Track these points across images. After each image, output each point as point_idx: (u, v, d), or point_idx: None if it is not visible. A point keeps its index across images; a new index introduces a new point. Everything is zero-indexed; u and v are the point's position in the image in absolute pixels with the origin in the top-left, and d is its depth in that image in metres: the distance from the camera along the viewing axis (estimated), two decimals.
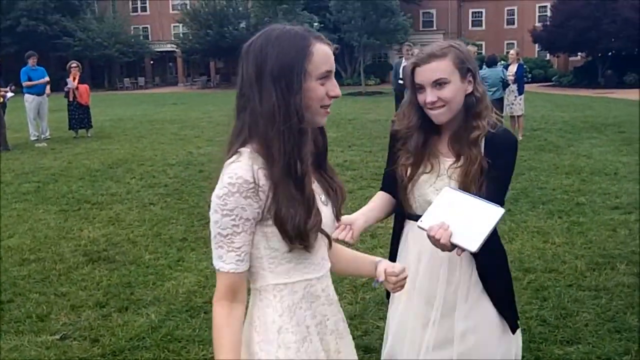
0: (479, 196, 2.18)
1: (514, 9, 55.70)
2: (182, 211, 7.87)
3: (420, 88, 2.40)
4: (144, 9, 63.72)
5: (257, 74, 1.71)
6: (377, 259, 2.13)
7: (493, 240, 2.27)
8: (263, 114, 1.70)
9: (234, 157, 1.72)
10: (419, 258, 2.51)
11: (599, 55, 40.17)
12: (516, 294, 4.90)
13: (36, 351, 4.23)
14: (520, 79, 14.17)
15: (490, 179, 2.37)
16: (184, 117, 22.26)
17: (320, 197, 1.83)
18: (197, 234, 6.81)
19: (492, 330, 2.49)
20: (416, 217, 2.35)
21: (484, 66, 13.87)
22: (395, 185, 2.58)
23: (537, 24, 46.97)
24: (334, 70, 1.78)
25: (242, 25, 52.32)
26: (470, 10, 57.87)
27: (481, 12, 57.34)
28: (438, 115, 2.39)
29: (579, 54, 42.95)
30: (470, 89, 2.42)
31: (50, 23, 52.50)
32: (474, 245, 2.04)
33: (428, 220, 2.15)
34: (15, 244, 6.67)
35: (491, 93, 13.40)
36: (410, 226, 2.56)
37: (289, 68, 1.69)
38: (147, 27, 63.66)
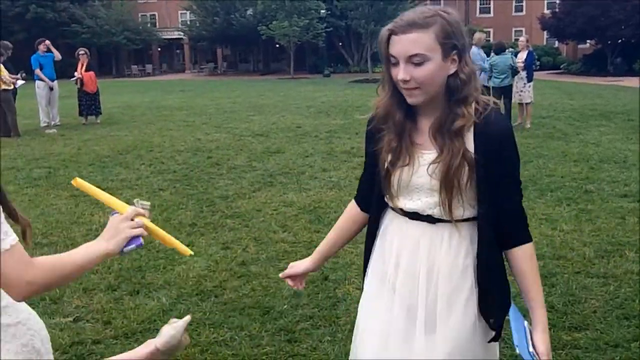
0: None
1: None
2: (191, 197, 7.89)
3: (395, 61, 1.98)
4: None
5: None
6: None
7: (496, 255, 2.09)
8: None
9: None
10: (397, 262, 2.16)
11: (608, 42, 39.99)
12: None
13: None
14: (529, 67, 14.14)
15: (500, 177, 2.01)
16: (192, 103, 22.29)
17: None
18: (206, 219, 6.83)
19: (474, 341, 2.10)
20: (397, 210, 2.16)
21: (492, 53, 13.87)
22: (370, 197, 2.29)
23: (546, 11, 46.75)
24: None
25: (249, 12, 52.30)
26: None
27: None
28: (410, 96, 2.00)
29: (588, 41, 42.69)
30: (453, 69, 1.97)
31: (58, 10, 52.67)
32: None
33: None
34: None
35: (500, 80, 13.45)
36: (390, 219, 2.23)
37: None
38: (154, 15, 63.73)
